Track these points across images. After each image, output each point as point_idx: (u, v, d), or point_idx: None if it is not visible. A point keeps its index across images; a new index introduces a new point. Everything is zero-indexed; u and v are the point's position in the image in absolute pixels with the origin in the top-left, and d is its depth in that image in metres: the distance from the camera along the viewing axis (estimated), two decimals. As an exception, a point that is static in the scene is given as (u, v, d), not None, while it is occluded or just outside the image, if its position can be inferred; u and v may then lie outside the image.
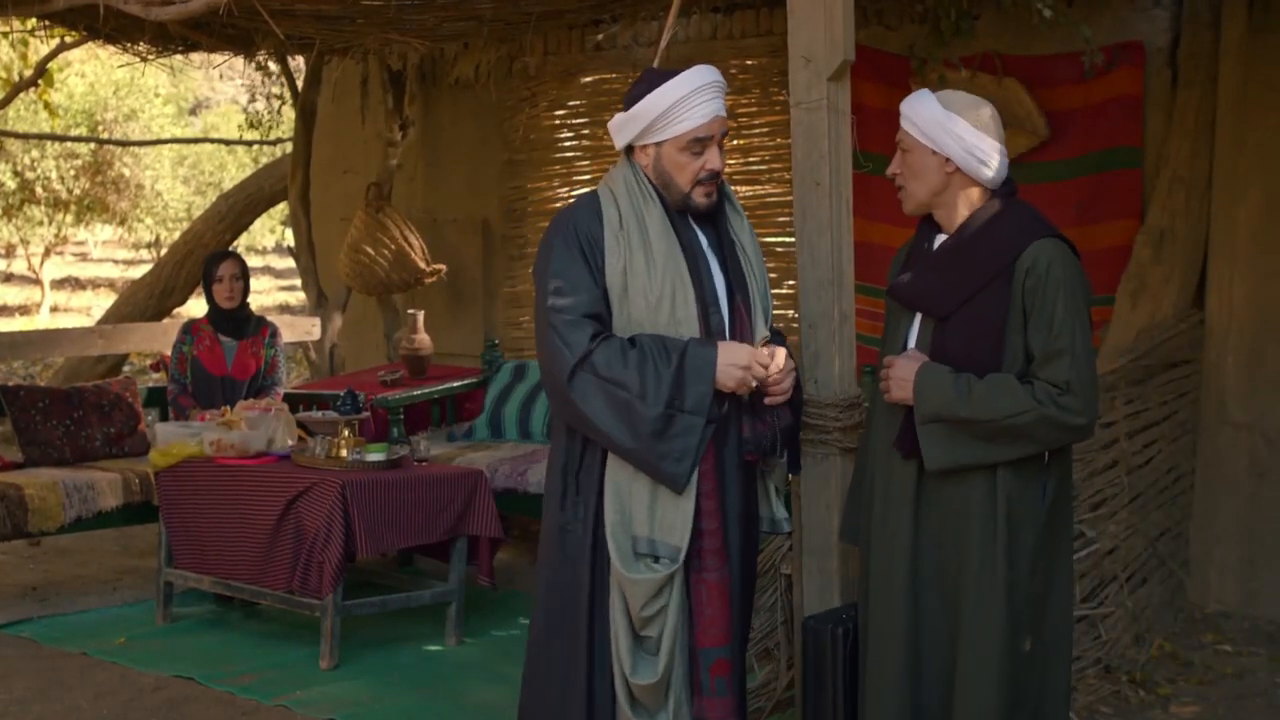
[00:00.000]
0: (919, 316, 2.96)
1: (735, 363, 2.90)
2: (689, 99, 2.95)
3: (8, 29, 7.66)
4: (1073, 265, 2.84)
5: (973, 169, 2.89)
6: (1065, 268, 2.81)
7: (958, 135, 2.87)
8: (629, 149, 3.08)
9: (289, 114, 10.19)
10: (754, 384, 2.94)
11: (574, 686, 3.03)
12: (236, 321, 5.88)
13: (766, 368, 2.94)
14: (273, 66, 8.48)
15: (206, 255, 6.80)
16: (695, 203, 3.02)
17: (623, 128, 3.04)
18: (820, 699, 3.07)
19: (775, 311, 3.36)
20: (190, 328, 5.90)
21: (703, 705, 3.01)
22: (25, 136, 14.99)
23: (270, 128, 9.52)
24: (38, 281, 19.19)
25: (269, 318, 6.14)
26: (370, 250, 6.90)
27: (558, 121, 7.12)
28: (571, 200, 6.76)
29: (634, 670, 2.95)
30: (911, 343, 2.96)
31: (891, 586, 2.92)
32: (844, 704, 3.05)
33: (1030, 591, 2.84)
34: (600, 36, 6.77)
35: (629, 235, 2.97)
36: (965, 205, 2.93)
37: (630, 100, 3.02)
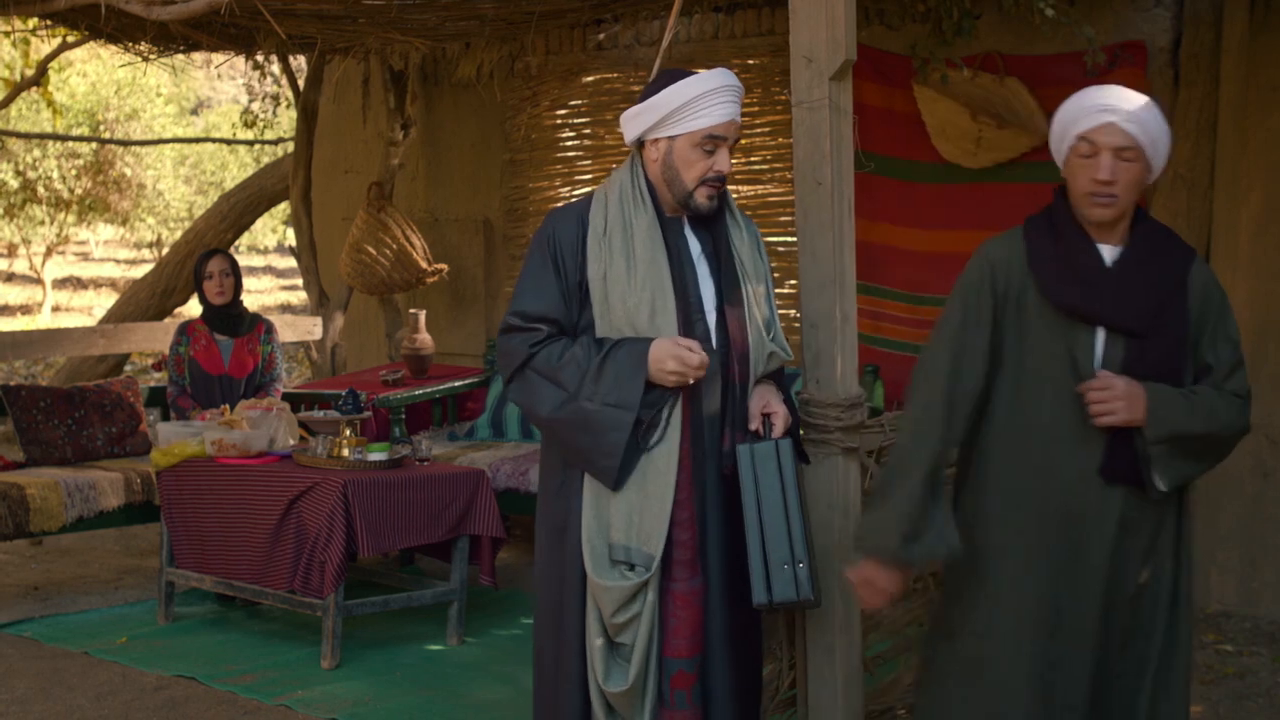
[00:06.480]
0: (1101, 332, 2.77)
1: (663, 367, 2.88)
2: (708, 96, 2.94)
3: (9, 28, 7.66)
4: None
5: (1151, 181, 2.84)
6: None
7: (1167, 150, 2.79)
8: (639, 145, 3.05)
9: (287, 113, 10.18)
10: (692, 376, 2.88)
11: (568, 685, 3.00)
12: (231, 319, 5.88)
13: (696, 358, 2.87)
14: (273, 66, 8.47)
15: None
16: (697, 202, 3.00)
17: (636, 118, 3.01)
18: None
19: (780, 311, 3.30)
20: (185, 329, 5.89)
21: (662, 717, 2.96)
22: (27, 136, 15.00)
23: (266, 126, 9.51)
24: (39, 281, 19.20)
25: (265, 315, 6.14)
26: (372, 250, 6.90)
27: (559, 121, 7.11)
28: (573, 199, 6.75)
29: (606, 677, 2.92)
30: (1098, 358, 2.78)
31: (1078, 612, 2.77)
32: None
33: None
34: (602, 36, 6.77)
35: (611, 241, 2.96)
36: (1129, 216, 2.83)
37: (647, 95, 3.00)
